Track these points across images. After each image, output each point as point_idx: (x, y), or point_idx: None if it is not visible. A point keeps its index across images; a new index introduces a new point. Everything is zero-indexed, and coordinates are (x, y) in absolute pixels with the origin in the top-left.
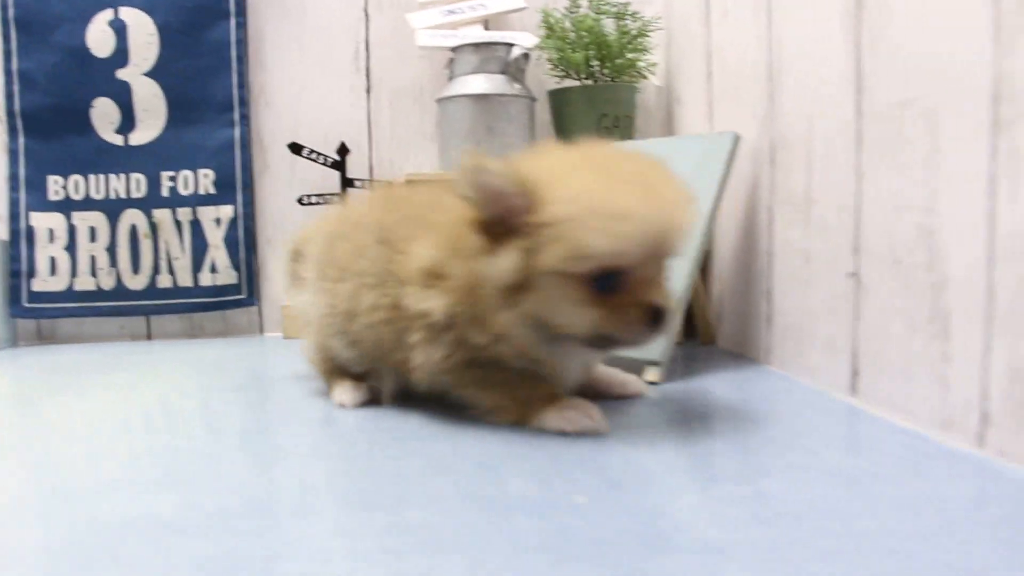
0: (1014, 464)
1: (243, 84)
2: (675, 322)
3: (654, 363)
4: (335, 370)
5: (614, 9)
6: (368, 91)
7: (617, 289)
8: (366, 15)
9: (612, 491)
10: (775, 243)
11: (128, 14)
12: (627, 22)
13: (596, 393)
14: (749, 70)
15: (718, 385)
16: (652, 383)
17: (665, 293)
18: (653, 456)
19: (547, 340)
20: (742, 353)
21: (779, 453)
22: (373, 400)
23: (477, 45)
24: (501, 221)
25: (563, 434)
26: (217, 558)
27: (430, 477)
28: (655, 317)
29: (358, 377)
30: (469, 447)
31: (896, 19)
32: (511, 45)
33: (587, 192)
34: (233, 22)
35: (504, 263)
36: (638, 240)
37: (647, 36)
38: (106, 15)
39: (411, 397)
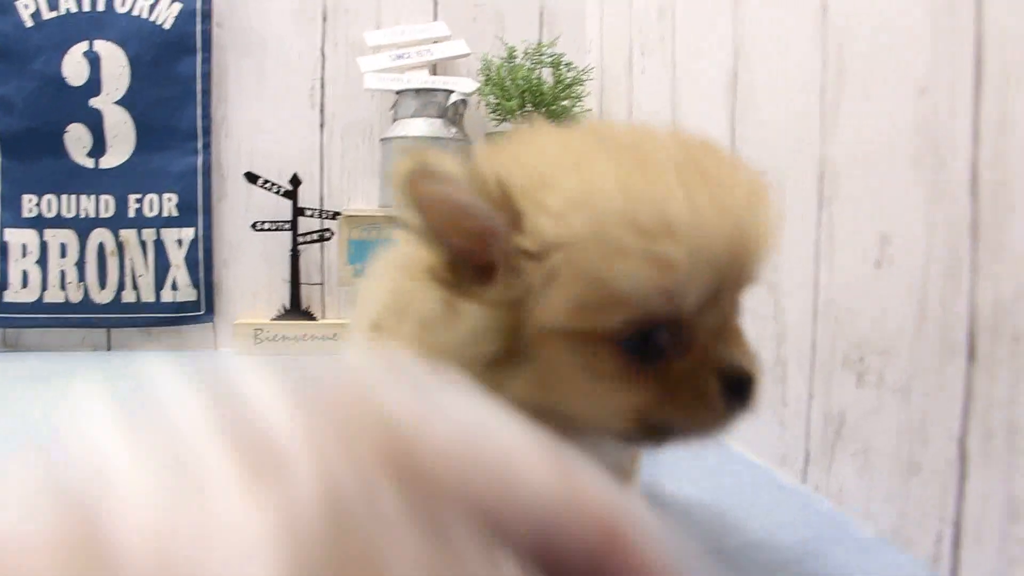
0: (824, 497)
1: (206, 115)
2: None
3: None
4: None
5: (549, 59)
6: (321, 126)
7: (671, 350)
8: (322, 55)
9: None
10: None
11: (102, 47)
12: (563, 71)
13: None
14: (658, 123)
15: None
16: None
17: (744, 345)
18: None
19: (560, 433)
20: None
21: None
22: None
23: (418, 90)
24: (467, 256)
25: None
26: None
27: None
28: (739, 388)
29: None
30: None
31: (759, 94)
32: (450, 92)
33: (603, 191)
34: (199, 57)
35: (470, 328)
36: (696, 264)
37: (581, 85)
38: (81, 47)
39: None
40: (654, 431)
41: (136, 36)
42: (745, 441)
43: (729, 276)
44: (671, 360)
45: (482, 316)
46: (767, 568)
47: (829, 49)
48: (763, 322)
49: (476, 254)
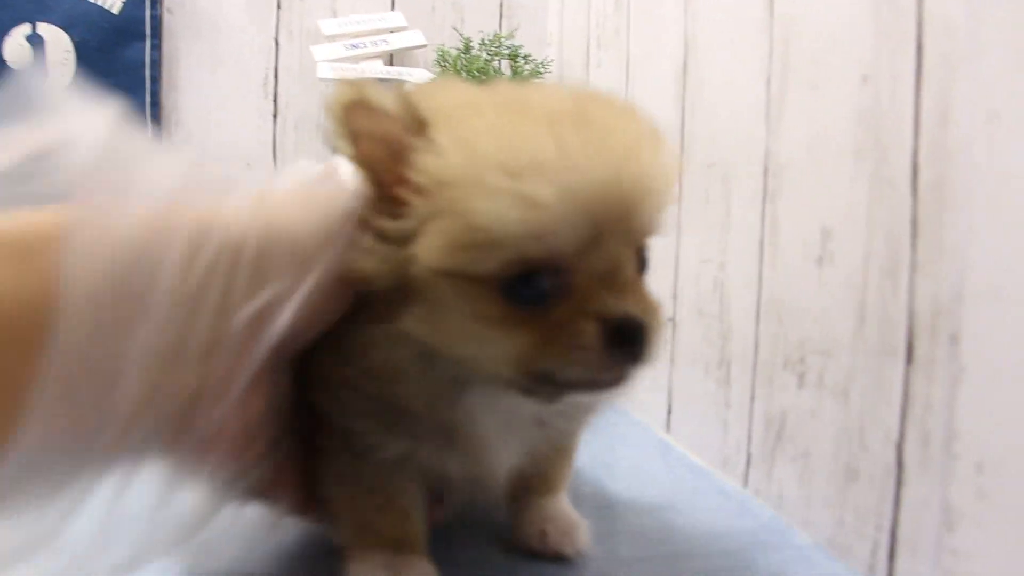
0: (763, 502)
1: (156, 103)
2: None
3: None
4: None
5: (507, 51)
6: (275, 116)
7: (553, 296)
8: (276, 44)
9: None
10: None
11: (46, 30)
12: (520, 63)
13: (524, 541)
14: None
15: None
16: None
17: (639, 295)
18: None
19: (454, 383)
20: None
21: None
22: None
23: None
24: (390, 193)
25: None
26: None
27: None
28: (622, 335)
29: None
30: None
31: (708, 87)
32: (404, 83)
33: (483, 134)
34: (148, 44)
35: (367, 260)
36: (571, 208)
37: (540, 77)
38: (23, 30)
39: None
40: (543, 380)
41: (82, 20)
42: (690, 443)
43: (609, 220)
44: (551, 306)
45: (377, 250)
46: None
47: (775, 40)
48: (709, 321)
49: (396, 190)
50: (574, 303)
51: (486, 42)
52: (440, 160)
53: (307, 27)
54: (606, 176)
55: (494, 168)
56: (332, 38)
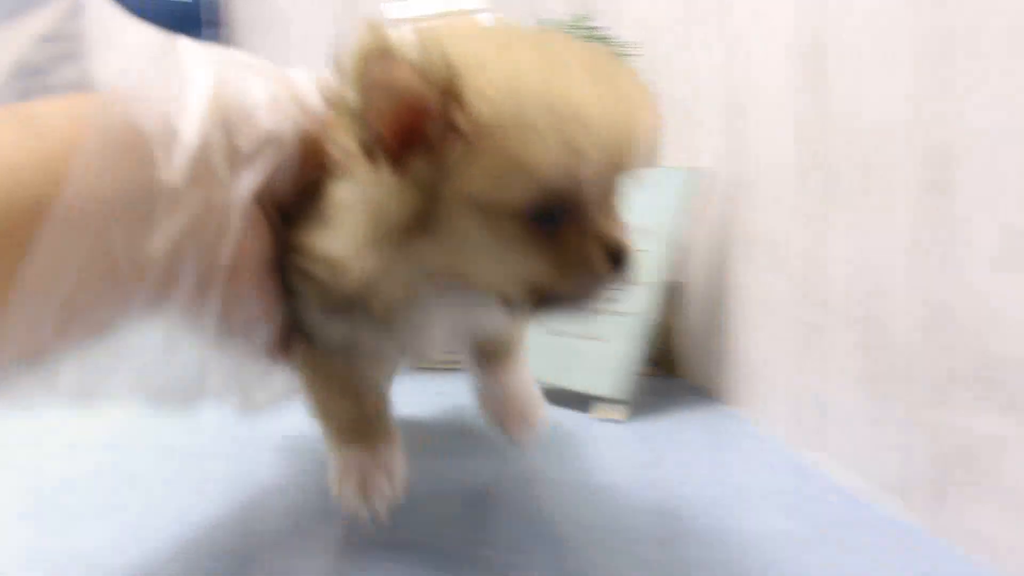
0: (950, 541)
1: None
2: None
3: (618, 401)
4: None
5: (587, 34)
6: None
7: (565, 223)
8: (343, 31)
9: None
10: (740, 283)
11: None
12: (608, 45)
13: (493, 415)
14: (715, 101)
15: (673, 426)
16: (613, 420)
17: (623, 223)
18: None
19: (441, 297)
20: (705, 389)
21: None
22: None
23: None
24: (386, 140)
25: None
26: None
27: None
28: (618, 259)
29: None
30: None
31: (845, 65)
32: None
33: (526, 79)
34: (216, 32)
35: (381, 197)
36: (600, 151)
37: (626, 60)
38: None
39: None
40: (543, 298)
41: (138, 9)
42: (837, 464)
43: (625, 166)
44: (562, 233)
45: (396, 190)
46: None
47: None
48: (863, 327)
49: (399, 137)
50: (581, 228)
51: (565, 25)
52: (490, 105)
53: (378, 13)
54: (630, 129)
55: (544, 112)
56: (399, 24)
